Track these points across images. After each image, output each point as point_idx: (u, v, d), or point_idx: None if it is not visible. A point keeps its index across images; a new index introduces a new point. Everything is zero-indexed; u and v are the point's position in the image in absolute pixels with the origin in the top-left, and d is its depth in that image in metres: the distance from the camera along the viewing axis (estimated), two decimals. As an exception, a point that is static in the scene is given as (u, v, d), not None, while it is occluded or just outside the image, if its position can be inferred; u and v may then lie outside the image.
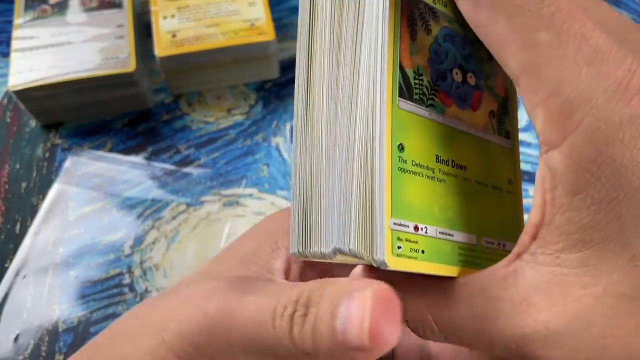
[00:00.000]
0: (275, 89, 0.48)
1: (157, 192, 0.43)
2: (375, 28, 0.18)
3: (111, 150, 0.45)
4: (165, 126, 0.47)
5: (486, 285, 0.17)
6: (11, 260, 0.40)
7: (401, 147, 0.18)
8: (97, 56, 0.44)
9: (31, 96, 0.44)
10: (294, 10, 0.54)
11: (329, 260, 0.18)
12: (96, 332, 0.38)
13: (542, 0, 0.15)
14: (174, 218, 0.42)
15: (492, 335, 0.17)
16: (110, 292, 0.40)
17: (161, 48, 0.44)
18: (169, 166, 0.44)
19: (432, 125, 0.19)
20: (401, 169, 0.18)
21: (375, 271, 0.19)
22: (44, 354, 0.37)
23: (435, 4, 0.20)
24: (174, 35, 0.45)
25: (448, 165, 0.19)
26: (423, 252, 0.18)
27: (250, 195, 0.43)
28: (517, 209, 0.22)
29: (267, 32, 0.45)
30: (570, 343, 0.16)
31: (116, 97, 0.45)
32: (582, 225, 0.15)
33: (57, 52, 0.44)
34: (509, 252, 0.18)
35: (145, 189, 0.43)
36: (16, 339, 0.38)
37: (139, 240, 0.41)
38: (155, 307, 0.21)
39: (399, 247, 0.18)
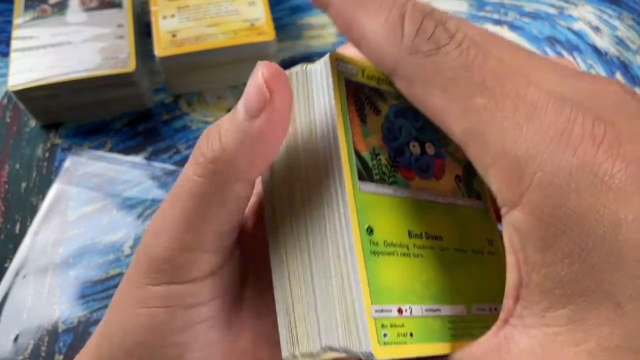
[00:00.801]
0: (275, 89, 0.48)
1: (157, 192, 0.43)
2: (326, 121, 0.18)
3: (111, 150, 0.45)
4: (165, 126, 0.47)
5: (479, 358, 0.17)
6: (11, 260, 0.40)
7: (370, 230, 0.18)
8: (97, 56, 0.44)
9: (31, 96, 0.44)
10: (294, 10, 0.54)
11: (322, 358, 0.17)
12: (96, 332, 0.38)
13: (470, 66, 0.15)
14: (174, 218, 0.42)
15: None
16: (110, 292, 0.40)
17: (161, 48, 0.44)
18: (169, 166, 0.44)
19: (399, 202, 0.19)
20: (374, 252, 0.17)
21: None
22: (43, 354, 0.37)
23: (380, 84, 0.20)
24: (173, 35, 0.45)
25: (422, 238, 0.19)
26: (412, 334, 0.17)
27: (250, 195, 0.43)
28: (502, 269, 0.20)
29: (267, 32, 0.45)
30: None
31: (116, 97, 0.45)
32: (560, 280, 0.15)
33: (57, 52, 0.44)
34: None
35: (145, 189, 0.43)
36: (16, 339, 0.38)
37: (139, 241, 0.41)
38: None
39: (385, 335, 0.17)
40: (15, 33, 0.45)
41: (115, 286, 0.40)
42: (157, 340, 0.19)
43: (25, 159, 0.45)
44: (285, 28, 0.52)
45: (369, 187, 0.18)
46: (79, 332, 0.38)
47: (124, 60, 0.44)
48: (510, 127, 0.15)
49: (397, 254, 0.18)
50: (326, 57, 0.18)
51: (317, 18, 0.53)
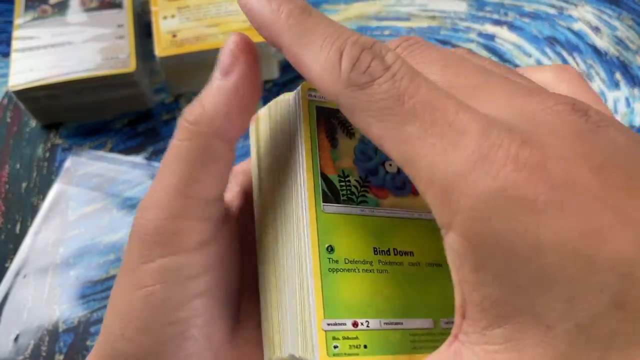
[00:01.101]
0: (275, 89, 0.48)
1: (157, 192, 0.43)
2: (296, 147, 0.20)
3: (111, 150, 0.45)
4: (165, 126, 0.47)
5: None
6: (11, 260, 0.41)
7: (330, 249, 0.19)
8: (97, 56, 0.44)
9: (31, 96, 0.44)
10: (294, 10, 0.54)
11: None
12: (96, 332, 0.38)
13: (402, 96, 0.16)
14: (174, 218, 0.42)
15: None
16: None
17: (161, 48, 0.44)
18: (169, 166, 0.44)
19: (367, 220, 0.20)
20: (332, 269, 0.18)
21: None
22: (44, 354, 0.37)
23: None
24: (174, 36, 0.45)
25: (389, 254, 0.20)
26: (365, 346, 0.18)
27: (251, 195, 0.43)
28: None
29: (267, 32, 0.45)
30: None
31: (116, 97, 0.45)
32: (495, 301, 0.15)
33: (57, 52, 0.44)
34: None
35: (146, 189, 0.43)
36: (16, 339, 0.38)
37: (139, 240, 0.41)
38: None
39: (335, 347, 0.18)
40: (15, 33, 0.45)
41: (116, 286, 0.40)
42: (157, 319, 0.19)
43: (26, 159, 0.45)
44: (285, 28, 0.52)
45: (334, 208, 0.19)
46: (80, 332, 0.38)
47: (124, 61, 0.44)
48: (437, 154, 0.15)
49: (359, 270, 0.19)
50: (299, 88, 0.20)
51: (317, 18, 0.53)
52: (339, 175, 0.20)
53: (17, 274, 0.40)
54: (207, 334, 0.20)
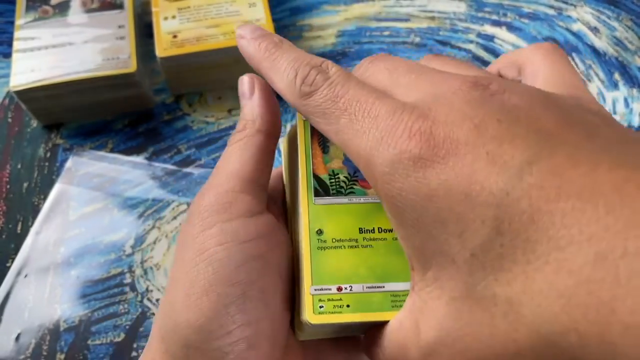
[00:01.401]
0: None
1: (158, 192, 0.43)
2: (296, 158, 0.26)
3: (112, 150, 0.46)
4: (166, 126, 0.47)
5: (400, 320, 0.21)
6: (13, 259, 0.41)
7: (320, 232, 0.24)
8: (98, 57, 0.44)
9: (32, 96, 0.44)
10: (294, 11, 0.54)
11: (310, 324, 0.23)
12: (97, 332, 0.38)
13: (335, 98, 0.21)
14: (174, 218, 0.42)
15: None
16: (112, 291, 0.40)
17: (162, 49, 0.44)
18: (169, 166, 0.45)
19: (354, 207, 0.25)
20: (320, 247, 0.24)
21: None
22: (45, 353, 0.38)
23: None
24: (174, 36, 0.45)
25: (374, 232, 0.25)
26: (348, 306, 0.23)
27: (251, 195, 0.44)
28: None
29: (267, 33, 0.45)
30: (444, 352, 0.19)
31: (117, 97, 0.46)
32: (417, 248, 0.19)
33: (58, 53, 0.44)
34: None
35: (146, 189, 0.43)
36: (17, 338, 0.38)
37: (140, 240, 0.42)
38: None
39: (321, 307, 0.23)
40: (17, 34, 0.45)
41: (117, 285, 0.40)
42: (219, 279, 0.21)
43: (27, 159, 0.46)
44: (285, 29, 0.52)
45: (324, 200, 0.25)
46: (80, 331, 0.38)
47: (125, 61, 0.44)
48: (360, 136, 0.20)
49: (345, 247, 0.24)
50: (297, 113, 0.26)
51: (317, 19, 0.53)
52: (329, 175, 0.25)
53: (18, 274, 0.40)
54: (265, 300, 0.22)
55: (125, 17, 0.47)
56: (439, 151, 0.18)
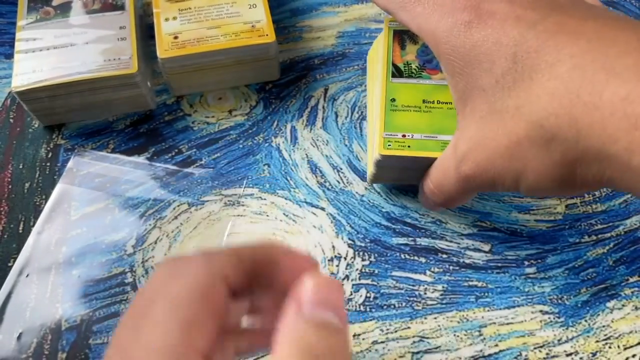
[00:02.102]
0: (275, 90, 0.49)
1: (159, 192, 0.44)
2: (381, 52, 0.39)
3: (113, 150, 0.46)
4: (167, 127, 0.47)
5: (448, 150, 0.32)
6: (14, 259, 0.41)
7: (393, 100, 0.37)
8: (99, 58, 0.44)
9: (34, 97, 0.44)
10: (294, 12, 0.54)
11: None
12: (99, 331, 0.38)
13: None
14: (175, 218, 0.43)
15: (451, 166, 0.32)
16: (113, 290, 0.40)
17: (163, 50, 0.45)
18: (171, 166, 0.45)
19: (420, 86, 0.37)
20: (392, 109, 0.36)
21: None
22: (46, 352, 0.38)
23: None
24: (175, 37, 0.45)
25: (434, 103, 0.36)
26: (409, 146, 0.35)
27: (251, 195, 0.44)
28: None
29: (267, 34, 0.45)
30: (470, 156, 0.29)
31: (118, 98, 0.46)
32: (461, 89, 0.30)
33: (59, 54, 0.45)
34: None
35: (148, 189, 0.44)
36: (19, 337, 0.38)
37: (141, 240, 0.42)
38: None
39: (389, 144, 0.35)
40: (18, 35, 0.46)
41: (118, 285, 0.40)
42: None
43: (29, 159, 0.46)
44: (285, 30, 0.53)
45: (398, 80, 0.38)
46: (82, 331, 0.39)
47: (127, 62, 0.44)
48: (430, 17, 0.30)
49: (411, 110, 0.36)
50: (384, 20, 0.40)
51: (317, 20, 0.54)
52: (404, 64, 0.38)
53: (20, 273, 0.40)
54: None
55: (127, 19, 0.47)
56: (483, 17, 0.28)
